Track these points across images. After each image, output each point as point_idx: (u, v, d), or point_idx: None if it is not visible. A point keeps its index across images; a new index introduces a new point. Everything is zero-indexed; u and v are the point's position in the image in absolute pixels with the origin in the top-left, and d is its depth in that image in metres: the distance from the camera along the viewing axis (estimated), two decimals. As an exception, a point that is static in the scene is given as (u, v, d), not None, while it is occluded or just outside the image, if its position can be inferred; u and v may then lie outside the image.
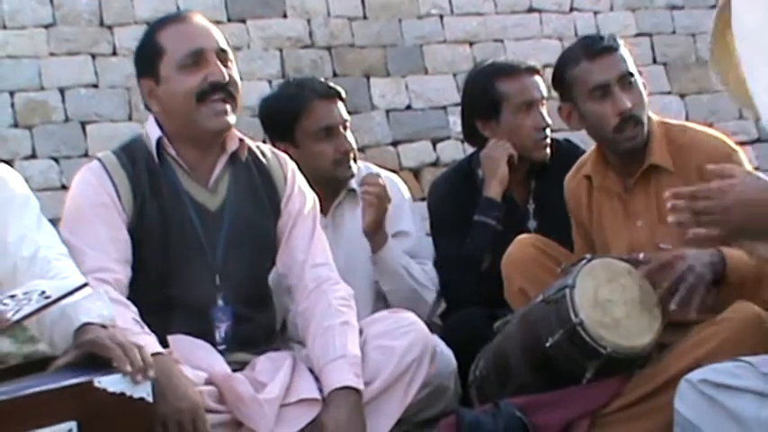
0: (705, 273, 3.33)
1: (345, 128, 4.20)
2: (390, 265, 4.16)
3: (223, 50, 3.37)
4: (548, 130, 4.33)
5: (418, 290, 4.18)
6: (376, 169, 4.43)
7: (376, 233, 4.12)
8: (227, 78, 3.33)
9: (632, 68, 3.72)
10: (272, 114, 4.30)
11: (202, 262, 3.36)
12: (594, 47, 3.71)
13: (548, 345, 3.40)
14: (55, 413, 2.54)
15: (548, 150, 4.34)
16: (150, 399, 2.69)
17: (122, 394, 2.64)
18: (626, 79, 3.68)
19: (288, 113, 4.19)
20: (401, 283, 4.16)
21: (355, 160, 4.23)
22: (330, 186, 4.17)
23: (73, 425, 2.56)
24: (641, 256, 3.48)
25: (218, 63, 3.33)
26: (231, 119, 3.36)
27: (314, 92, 4.19)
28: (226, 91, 3.34)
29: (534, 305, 3.54)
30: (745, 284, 3.41)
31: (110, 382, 2.63)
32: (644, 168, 3.70)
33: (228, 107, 3.34)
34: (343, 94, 4.25)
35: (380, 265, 4.17)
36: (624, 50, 3.73)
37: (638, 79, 3.72)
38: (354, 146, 4.23)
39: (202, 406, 3.04)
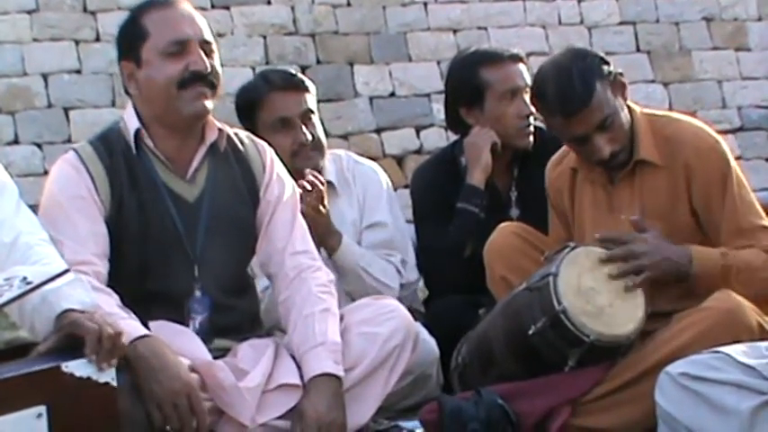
0: (662, 264, 3.45)
1: (308, 119, 4.15)
2: (348, 267, 4.08)
3: (207, 42, 3.35)
4: (531, 118, 4.33)
5: (380, 289, 4.07)
6: (357, 158, 4.41)
7: (325, 238, 4.03)
8: (209, 68, 3.31)
9: (608, 108, 3.57)
10: (237, 104, 4.28)
11: (181, 254, 3.34)
12: (567, 107, 3.54)
13: (531, 332, 3.40)
14: (25, 397, 2.56)
15: (531, 138, 4.33)
16: (114, 383, 2.70)
17: (88, 378, 2.65)
18: (604, 124, 3.57)
19: (248, 104, 4.19)
20: (360, 284, 4.07)
21: (322, 152, 4.17)
22: (299, 178, 4.11)
23: (42, 409, 2.58)
24: (596, 235, 3.53)
25: (201, 53, 3.31)
26: (209, 104, 3.34)
27: (271, 83, 4.15)
28: (207, 81, 3.31)
29: (518, 293, 3.55)
30: (713, 283, 3.43)
31: (76, 367, 2.64)
32: (632, 164, 3.67)
33: (208, 93, 3.33)
34: (310, 85, 4.19)
35: (338, 268, 4.06)
36: (599, 91, 3.56)
37: (619, 109, 3.60)
38: (322, 137, 4.17)
39: (196, 386, 3.05)
